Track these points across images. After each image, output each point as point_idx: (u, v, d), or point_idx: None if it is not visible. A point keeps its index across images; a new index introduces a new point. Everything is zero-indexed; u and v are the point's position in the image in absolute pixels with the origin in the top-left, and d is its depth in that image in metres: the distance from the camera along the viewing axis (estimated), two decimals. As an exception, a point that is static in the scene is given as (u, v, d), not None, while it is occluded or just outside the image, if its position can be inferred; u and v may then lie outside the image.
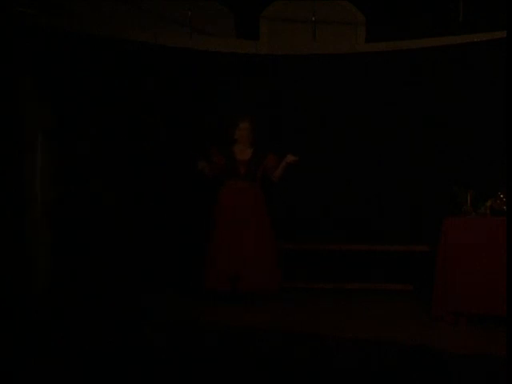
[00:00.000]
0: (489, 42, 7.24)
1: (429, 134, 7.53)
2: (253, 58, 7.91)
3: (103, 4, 7.42)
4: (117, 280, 7.32)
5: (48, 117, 7.31)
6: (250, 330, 5.73)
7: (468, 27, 7.21)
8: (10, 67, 7.03)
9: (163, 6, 7.63)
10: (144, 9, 7.48)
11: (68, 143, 7.38)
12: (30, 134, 7.20)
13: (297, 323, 6.21)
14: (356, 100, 7.74)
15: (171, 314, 6.60)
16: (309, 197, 7.84)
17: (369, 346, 4.97)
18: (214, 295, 7.05)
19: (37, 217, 7.09)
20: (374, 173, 7.68)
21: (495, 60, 7.07)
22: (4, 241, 6.81)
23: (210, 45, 7.74)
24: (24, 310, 6.40)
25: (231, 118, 7.29)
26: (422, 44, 7.56)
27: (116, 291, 7.20)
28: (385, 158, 7.65)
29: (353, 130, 7.74)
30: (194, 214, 7.68)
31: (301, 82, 7.84)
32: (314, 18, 7.47)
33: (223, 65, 7.78)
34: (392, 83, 7.66)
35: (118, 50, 7.53)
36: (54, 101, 7.32)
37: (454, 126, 7.43)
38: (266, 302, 7.05)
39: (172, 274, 7.57)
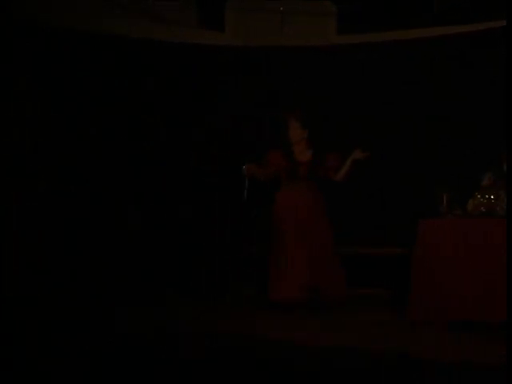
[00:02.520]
0: (464, 35, 7.19)
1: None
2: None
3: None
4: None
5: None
6: (216, 334, 5.67)
7: (443, 19, 7.14)
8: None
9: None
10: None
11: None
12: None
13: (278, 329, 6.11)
14: (331, 94, 7.64)
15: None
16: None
17: (346, 354, 4.94)
18: (280, 306, 6.75)
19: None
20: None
21: (471, 52, 7.14)
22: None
23: (173, 36, 7.59)
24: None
25: (282, 119, 7.02)
26: (394, 36, 7.44)
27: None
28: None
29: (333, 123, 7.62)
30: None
31: (281, 76, 7.76)
32: (281, 8, 7.38)
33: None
34: (373, 76, 7.59)
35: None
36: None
37: (437, 119, 7.37)
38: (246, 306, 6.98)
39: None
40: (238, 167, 7.07)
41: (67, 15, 7.26)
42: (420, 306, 6.06)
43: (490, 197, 6.02)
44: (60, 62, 7.30)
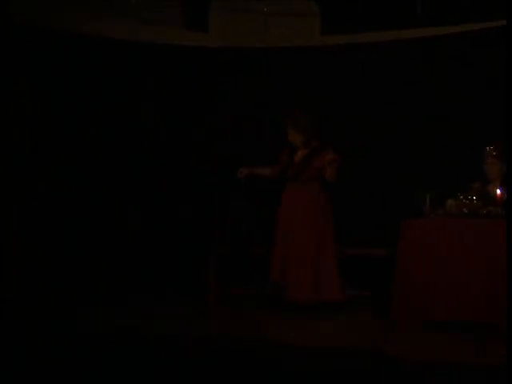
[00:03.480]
0: (448, 36, 7.21)
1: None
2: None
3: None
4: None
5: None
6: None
7: (426, 21, 7.15)
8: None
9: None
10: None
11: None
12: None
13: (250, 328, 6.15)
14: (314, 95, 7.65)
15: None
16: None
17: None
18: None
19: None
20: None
21: (455, 54, 7.16)
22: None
23: (157, 37, 7.60)
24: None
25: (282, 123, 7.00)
26: (378, 37, 7.44)
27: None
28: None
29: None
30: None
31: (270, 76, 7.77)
32: (266, 9, 7.39)
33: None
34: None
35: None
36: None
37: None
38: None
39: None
40: (238, 167, 7.10)
41: (58, 17, 7.29)
42: (400, 305, 6.04)
43: (472, 198, 6.02)
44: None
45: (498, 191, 5.98)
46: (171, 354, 4.99)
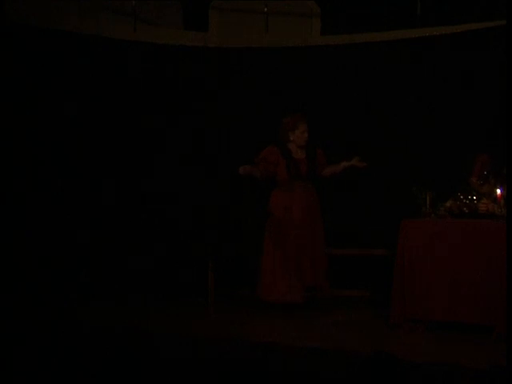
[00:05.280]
0: (447, 36, 7.19)
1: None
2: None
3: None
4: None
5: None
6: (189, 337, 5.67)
7: (426, 21, 7.14)
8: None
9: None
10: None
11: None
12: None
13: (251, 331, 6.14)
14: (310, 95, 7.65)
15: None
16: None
17: (325, 355, 4.93)
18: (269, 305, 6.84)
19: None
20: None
21: (454, 54, 7.14)
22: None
23: (156, 36, 7.61)
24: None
25: (286, 120, 6.99)
26: (379, 38, 7.44)
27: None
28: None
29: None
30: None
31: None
32: (266, 9, 7.38)
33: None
34: (347, 77, 7.59)
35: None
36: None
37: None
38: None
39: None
40: (238, 167, 7.09)
41: (58, 16, 7.31)
42: (401, 308, 6.02)
43: (472, 198, 6.02)
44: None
45: (499, 191, 5.97)
46: (171, 353, 4.99)
